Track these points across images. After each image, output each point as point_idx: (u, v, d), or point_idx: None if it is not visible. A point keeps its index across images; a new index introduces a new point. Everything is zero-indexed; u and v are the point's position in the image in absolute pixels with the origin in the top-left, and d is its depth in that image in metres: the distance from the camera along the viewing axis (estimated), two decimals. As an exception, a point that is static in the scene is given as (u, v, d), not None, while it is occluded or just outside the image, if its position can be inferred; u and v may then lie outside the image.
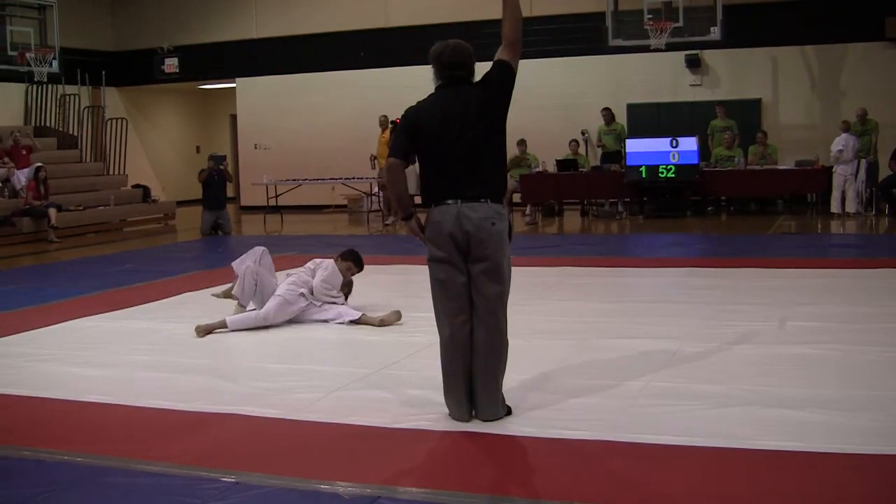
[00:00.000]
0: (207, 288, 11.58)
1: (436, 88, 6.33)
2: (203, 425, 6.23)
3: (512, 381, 6.83)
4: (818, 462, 5.18)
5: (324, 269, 9.57)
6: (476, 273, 6.02)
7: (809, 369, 7.25)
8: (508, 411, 6.18)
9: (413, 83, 24.38)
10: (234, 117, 28.63)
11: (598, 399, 6.47)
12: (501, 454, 5.54)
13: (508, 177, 21.54)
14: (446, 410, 6.21)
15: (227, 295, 10.37)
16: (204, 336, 8.87)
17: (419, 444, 5.74)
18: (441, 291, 6.12)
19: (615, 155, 21.42)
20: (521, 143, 21.92)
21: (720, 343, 7.99)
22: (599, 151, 22.21)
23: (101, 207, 22.01)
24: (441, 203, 6.00)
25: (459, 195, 5.96)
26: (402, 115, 6.32)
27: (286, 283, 9.43)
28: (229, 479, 5.13)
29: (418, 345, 8.25)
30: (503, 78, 6.29)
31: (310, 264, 9.74)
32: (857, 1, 21.50)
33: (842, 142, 18.92)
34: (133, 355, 8.29)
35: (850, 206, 18.98)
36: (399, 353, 7.96)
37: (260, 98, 26.57)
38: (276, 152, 26.11)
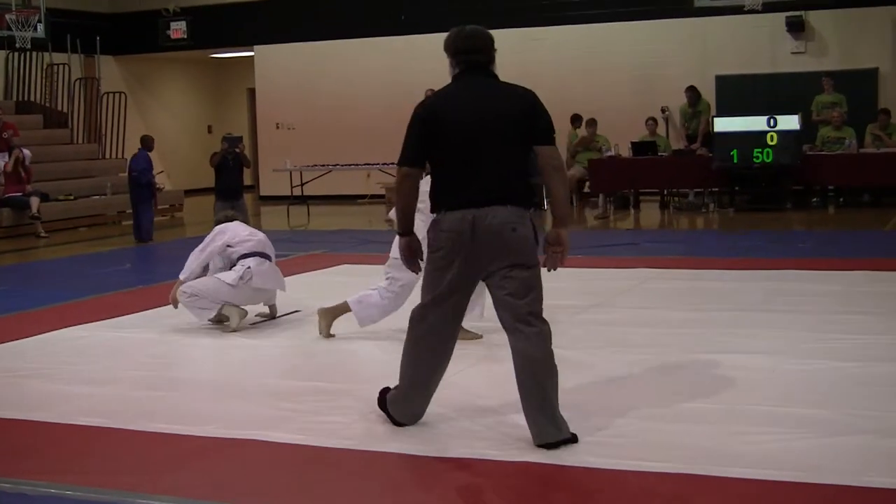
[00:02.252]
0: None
1: (453, 79, 6.45)
2: (215, 452, 6.25)
3: (577, 402, 6.85)
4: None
5: None
6: (501, 282, 6.20)
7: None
8: (573, 438, 6.18)
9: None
10: (251, 91, 28.73)
11: (679, 425, 6.46)
12: (564, 487, 5.54)
13: (575, 162, 21.66)
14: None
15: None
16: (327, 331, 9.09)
17: (466, 475, 5.75)
18: (442, 293, 6.29)
19: (696, 137, 21.33)
20: (591, 122, 21.91)
21: (827, 360, 7.94)
22: (686, 134, 22.10)
23: (96, 197, 22.15)
24: (456, 209, 6.16)
25: (481, 200, 6.12)
26: (415, 112, 6.37)
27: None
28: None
29: (468, 358, 8.26)
30: (541, 134, 6.25)
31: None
32: None
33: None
34: (132, 370, 8.35)
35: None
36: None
37: (282, 69, 26.60)
38: (301, 133, 26.14)
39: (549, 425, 6.11)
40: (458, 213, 6.12)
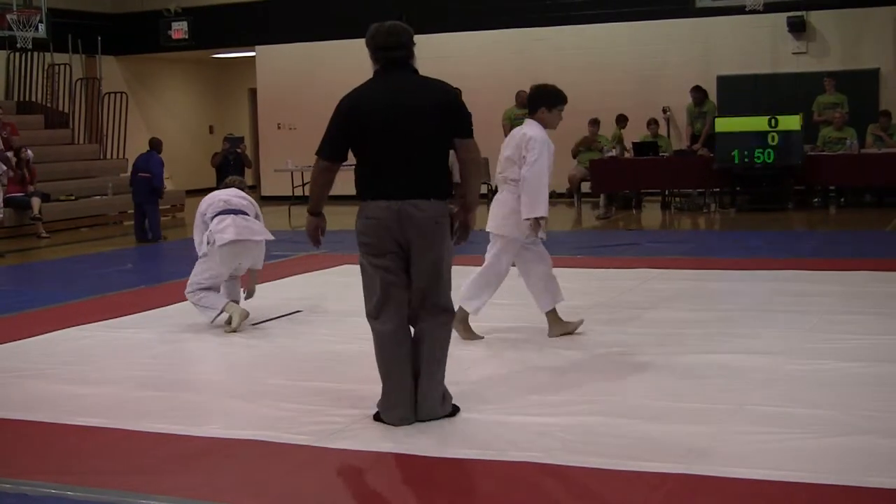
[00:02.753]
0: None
1: (374, 74, 6.78)
2: (218, 453, 6.25)
3: (580, 404, 6.92)
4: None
5: None
6: (419, 269, 6.58)
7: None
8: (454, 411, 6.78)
9: (467, 50, 24.62)
10: (253, 92, 28.77)
11: (681, 426, 6.46)
12: (565, 487, 5.55)
13: (577, 163, 21.66)
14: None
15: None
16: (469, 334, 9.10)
17: (472, 476, 5.77)
18: (380, 288, 6.60)
19: (707, 138, 21.31)
20: (594, 122, 21.90)
21: (829, 360, 7.94)
22: (682, 133, 22.08)
23: (97, 197, 22.13)
24: (380, 199, 6.49)
25: (402, 192, 6.45)
26: (338, 106, 6.70)
27: None
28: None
29: (468, 359, 8.27)
30: (458, 128, 6.68)
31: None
32: None
33: None
34: (134, 370, 8.34)
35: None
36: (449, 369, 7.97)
37: (284, 69, 26.60)
38: (302, 133, 25.81)
39: (436, 402, 6.67)
40: (382, 202, 6.46)
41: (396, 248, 6.51)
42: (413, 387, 6.65)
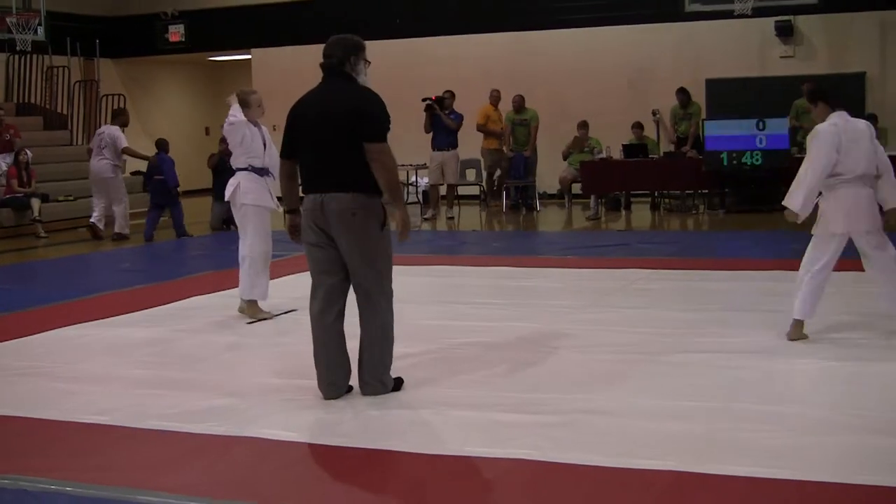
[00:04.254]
0: (217, 292, 11.69)
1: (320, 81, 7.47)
2: (216, 449, 6.28)
3: (572, 400, 6.95)
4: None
5: None
6: (347, 260, 7.11)
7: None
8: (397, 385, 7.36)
9: (463, 54, 24.62)
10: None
11: (670, 424, 6.47)
12: (558, 483, 5.55)
13: (568, 164, 21.67)
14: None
15: None
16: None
17: (462, 473, 5.77)
18: (313, 273, 7.28)
19: (686, 139, 21.36)
20: (583, 125, 21.88)
21: (816, 359, 7.99)
22: (676, 136, 22.09)
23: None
24: (309, 193, 7.17)
25: (324, 187, 7.05)
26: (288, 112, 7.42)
27: None
28: (245, 512, 5.18)
29: (461, 358, 8.30)
30: (363, 131, 7.05)
31: None
32: None
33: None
34: (133, 369, 8.35)
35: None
36: (438, 368, 8.01)
37: (280, 72, 26.46)
38: None
39: (374, 378, 7.21)
40: (311, 196, 7.13)
41: (324, 237, 7.10)
42: (339, 364, 7.27)
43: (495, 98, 22.02)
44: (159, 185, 18.80)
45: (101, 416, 6.95)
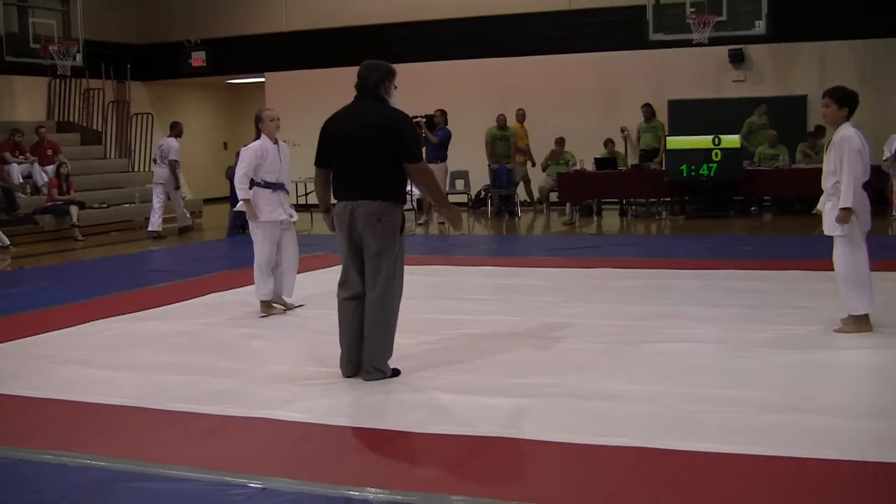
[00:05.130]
0: (233, 289, 11.65)
1: (354, 98, 7.41)
2: (228, 429, 6.23)
3: (551, 385, 6.92)
4: (852, 472, 5.15)
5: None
6: (367, 256, 7.17)
7: (856, 376, 7.28)
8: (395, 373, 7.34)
9: (454, 78, 24.60)
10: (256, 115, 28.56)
11: (638, 406, 6.44)
12: (542, 461, 5.51)
13: (546, 175, 21.66)
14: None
15: None
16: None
17: (452, 451, 5.71)
18: (342, 268, 7.40)
19: (654, 153, 21.38)
20: (559, 141, 21.92)
21: (766, 348, 7.93)
22: (639, 149, 22.09)
23: (126, 205, 22.10)
24: (340, 199, 7.25)
25: (355, 195, 7.13)
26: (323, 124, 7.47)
27: None
28: (256, 485, 5.13)
29: (452, 348, 8.25)
30: (403, 153, 7.15)
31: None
32: (909, -8, 21.34)
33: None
34: (157, 357, 8.30)
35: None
36: (432, 357, 7.96)
37: (290, 93, 26.50)
38: (305, 148, 25.30)
39: (370, 363, 7.21)
40: (342, 202, 7.22)
41: (350, 238, 7.20)
42: (359, 345, 7.26)
43: (521, 116, 22.15)
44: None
45: (127, 399, 6.90)
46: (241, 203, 10.17)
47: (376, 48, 24.87)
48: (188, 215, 20.85)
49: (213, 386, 7.24)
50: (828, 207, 8.41)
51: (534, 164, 22.40)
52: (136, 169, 24.81)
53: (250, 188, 10.04)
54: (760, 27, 19.99)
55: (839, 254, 8.41)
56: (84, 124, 25.00)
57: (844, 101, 8.38)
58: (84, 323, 9.88)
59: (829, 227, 8.38)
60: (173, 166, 20.05)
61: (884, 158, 18.75)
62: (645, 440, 5.67)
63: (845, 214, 8.15)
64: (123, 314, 10.30)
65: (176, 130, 20.59)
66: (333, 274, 11.64)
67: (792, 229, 17.63)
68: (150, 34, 28.34)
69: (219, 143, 30.56)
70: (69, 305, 11.04)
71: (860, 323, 8.43)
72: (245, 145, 10.58)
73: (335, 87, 25.82)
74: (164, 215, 20.06)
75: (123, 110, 25.33)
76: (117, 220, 21.35)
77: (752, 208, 21.03)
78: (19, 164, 20.73)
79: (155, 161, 21.19)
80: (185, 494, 5.07)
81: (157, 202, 19.96)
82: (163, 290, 11.98)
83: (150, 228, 19.83)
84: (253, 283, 10.33)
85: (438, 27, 25.03)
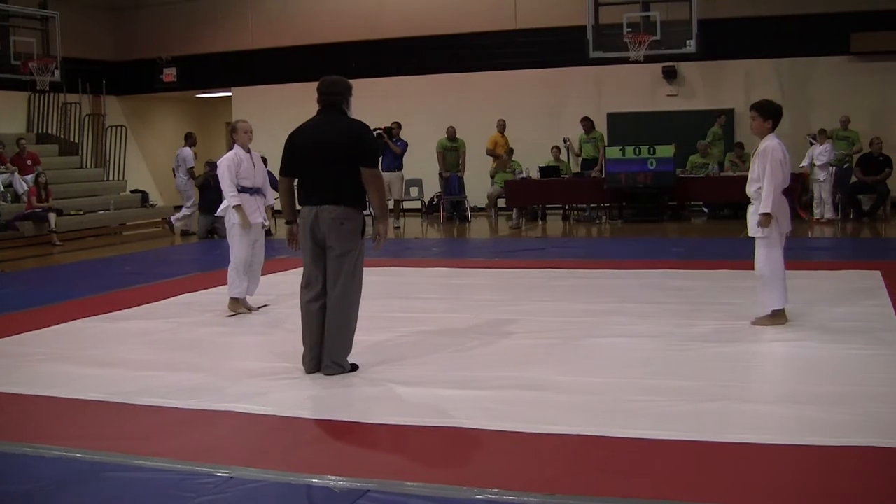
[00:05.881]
0: (205, 290, 11.59)
1: (317, 112, 7.42)
2: (198, 422, 6.20)
3: (498, 378, 6.95)
4: (786, 455, 5.19)
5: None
6: (329, 258, 7.19)
7: (781, 366, 7.38)
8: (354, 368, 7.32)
9: (408, 91, 24.59)
10: (230, 125, 28.48)
11: (581, 396, 6.46)
12: (492, 449, 5.51)
13: (494, 182, 21.69)
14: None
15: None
16: None
17: (408, 440, 5.72)
18: (304, 270, 7.37)
19: (594, 162, 21.46)
20: (509, 151, 21.96)
21: (697, 341, 7.99)
22: (580, 159, 22.18)
23: (101, 212, 21.93)
24: (306, 204, 7.27)
25: (320, 200, 7.15)
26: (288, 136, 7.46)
27: None
28: (224, 474, 5.10)
29: (407, 344, 8.25)
30: (361, 158, 7.22)
31: None
32: (825, 18, 21.58)
33: (822, 150, 18.97)
34: (132, 355, 8.23)
35: (827, 212, 19.00)
36: (389, 353, 7.95)
37: (255, 107, 26.35)
38: (271, 160, 25.63)
39: (330, 360, 7.18)
40: (307, 207, 7.24)
41: (314, 241, 7.21)
42: (317, 346, 7.25)
43: (502, 126, 22.12)
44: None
45: (103, 395, 6.84)
46: (221, 208, 10.16)
47: (336, 64, 24.89)
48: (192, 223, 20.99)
49: (186, 381, 7.19)
50: (751, 211, 8.54)
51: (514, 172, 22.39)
52: (110, 178, 24.60)
53: (217, 190, 10.13)
54: (691, 46, 20.09)
55: (758, 254, 8.55)
56: (62, 136, 24.77)
57: (769, 114, 8.52)
58: (62, 323, 9.78)
59: (752, 229, 8.52)
60: (191, 173, 20.61)
61: (801, 165, 19.01)
62: (587, 428, 5.69)
63: (765, 219, 8.32)
64: (100, 314, 10.21)
65: (190, 140, 21.13)
66: (297, 275, 11.65)
67: (722, 232, 17.76)
68: (124, 51, 28.17)
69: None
70: (48, 306, 10.91)
71: (776, 317, 8.57)
72: (219, 157, 10.54)
73: (297, 101, 25.94)
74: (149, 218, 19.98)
75: (99, 123, 25.13)
76: (93, 227, 21.19)
77: (685, 213, 21.16)
78: (0, 173, 20.56)
79: (174, 171, 21.60)
80: (157, 483, 5.04)
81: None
82: (138, 292, 11.88)
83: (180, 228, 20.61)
84: (223, 284, 10.29)
85: (393, 45, 25.03)
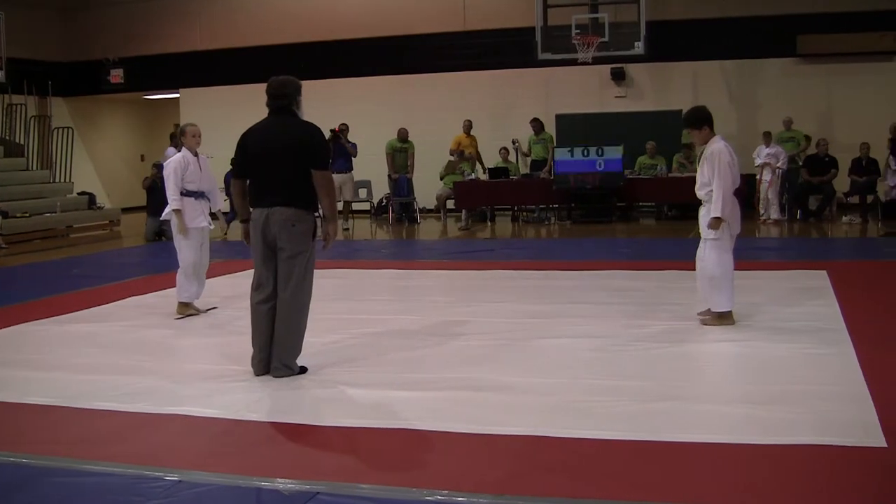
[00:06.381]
0: (152, 292, 11.52)
1: (268, 114, 7.39)
2: (147, 426, 6.16)
3: (448, 379, 6.95)
4: (737, 454, 5.23)
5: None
6: (280, 259, 7.17)
7: (730, 366, 7.43)
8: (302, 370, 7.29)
9: (357, 93, 24.56)
10: (177, 127, 28.32)
11: (529, 397, 6.49)
12: (441, 450, 5.53)
13: (443, 184, 21.71)
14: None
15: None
16: None
17: (358, 441, 5.71)
18: (255, 271, 7.34)
19: (543, 163, 21.53)
20: (460, 153, 21.99)
21: (646, 342, 8.05)
22: (529, 160, 22.26)
23: (48, 214, 21.70)
24: (256, 207, 7.24)
25: (271, 202, 7.13)
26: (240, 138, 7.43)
27: None
28: (172, 478, 5.08)
29: (357, 345, 8.25)
30: (312, 161, 7.21)
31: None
32: (773, 20, 21.81)
33: (769, 151, 19.17)
34: (79, 358, 8.16)
35: (773, 213, 19.18)
36: (339, 355, 7.95)
37: (204, 108, 26.16)
38: (218, 160, 25.43)
39: (279, 361, 7.17)
40: (258, 209, 7.21)
41: (265, 243, 7.19)
42: (266, 348, 7.23)
43: (467, 126, 22.08)
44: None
45: (53, 399, 6.78)
46: (166, 212, 10.11)
47: (285, 65, 24.74)
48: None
49: (134, 385, 7.14)
50: (703, 213, 8.62)
51: (484, 171, 22.39)
52: (57, 180, 24.37)
53: (164, 193, 10.07)
54: (639, 48, 20.25)
55: (709, 256, 8.61)
56: (7, 138, 24.48)
57: (699, 122, 8.70)
58: (8, 326, 9.67)
59: (705, 231, 8.58)
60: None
61: (756, 165, 19.21)
62: (537, 429, 5.72)
63: (715, 223, 8.40)
64: (47, 318, 10.11)
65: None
66: (245, 278, 11.60)
67: (669, 232, 17.89)
68: (71, 52, 27.90)
69: (136, 156, 30.15)
70: (-6, 310, 10.84)
71: (725, 318, 8.66)
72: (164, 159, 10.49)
73: (246, 102, 25.72)
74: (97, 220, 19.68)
75: (45, 125, 24.91)
76: (40, 229, 20.97)
77: (633, 214, 21.29)
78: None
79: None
80: (106, 487, 5.01)
81: None
82: (86, 295, 11.78)
83: None
84: (171, 287, 10.24)
85: (343, 46, 24.95)
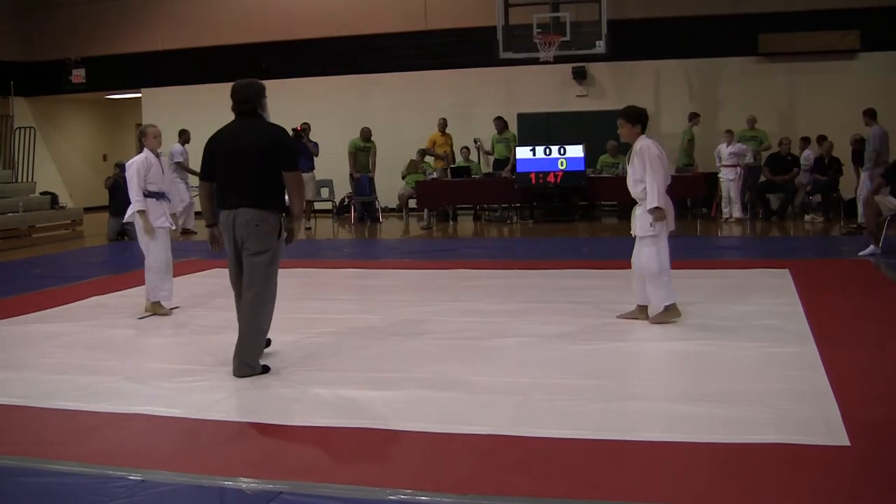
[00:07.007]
0: (114, 292, 11.47)
1: (234, 118, 7.46)
2: (110, 425, 6.15)
3: (412, 378, 6.97)
4: (697, 452, 5.28)
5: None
6: (245, 258, 7.24)
7: (689, 364, 7.44)
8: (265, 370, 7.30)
9: (318, 92, 24.53)
10: (139, 126, 28.17)
11: (492, 396, 6.52)
12: (404, 449, 5.56)
13: (405, 183, 21.72)
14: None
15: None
16: None
17: (321, 440, 5.72)
18: (230, 271, 7.44)
19: (506, 162, 21.57)
20: (422, 152, 22.04)
21: (607, 341, 8.09)
22: (491, 159, 22.30)
23: (10, 214, 21.55)
24: (224, 208, 7.29)
25: (237, 204, 7.18)
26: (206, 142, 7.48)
27: None
28: (135, 477, 5.08)
29: (320, 344, 8.25)
30: (281, 162, 7.26)
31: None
32: (734, 19, 22.00)
33: (731, 150, 19.31)
34: (42, 358, 8.13)
35: (736, 212, 19.31)
36: (302, 354, 7.96)
37: (166, 108, 26.09)
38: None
39: (241, 359, 7.18)
40: (225, 211, 7.26)
41: (234, 244, 7.27)
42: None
43: (442, 125, 22.09)
44: None
45: (16, 399, 6.75)
46: (129, 214, 10.09)
47: (246, 65, 24.69)
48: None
49: (98, 384, 7.13)
50: (639, 212, 8.72)
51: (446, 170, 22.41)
52: (19, 180, 24.20)
53: (127, 193, 10.06)
54: (601, 47, 20.32)
55: (646, 253, 8.74)
56: (-32, 137, 24.39)
57: (636, 119, 8.88)
58: (-30, 327, 9.63)
59: (641, 228, 8.70)
60: (180, 167, 20.17)
61: (717, 165, 19.34)
62: (498, 428, 5.74)
63: (658, 213, 8.49)
64: (11, 317, 10.06)
65: (184, 137, 20.78)
66: (209, 277, 11.60)
67: (629, 231, 17.91)
68: (33, 52, 27.70)
69: (98, 155, 30.00)
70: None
71: (671, 312, 8.77)
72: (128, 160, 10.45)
73: (207, 102, 25.66)
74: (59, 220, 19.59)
75: (7, 125, 24.72)
76: (2, 229, 20.81)
77: (595, 212, 21.37)
78: None
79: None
80: (68, 488, 5.00)
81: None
82: (49, 294, 11.72)
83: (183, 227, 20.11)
84: (134, 286, 10.21)
85: (304, 46, 24.93)
